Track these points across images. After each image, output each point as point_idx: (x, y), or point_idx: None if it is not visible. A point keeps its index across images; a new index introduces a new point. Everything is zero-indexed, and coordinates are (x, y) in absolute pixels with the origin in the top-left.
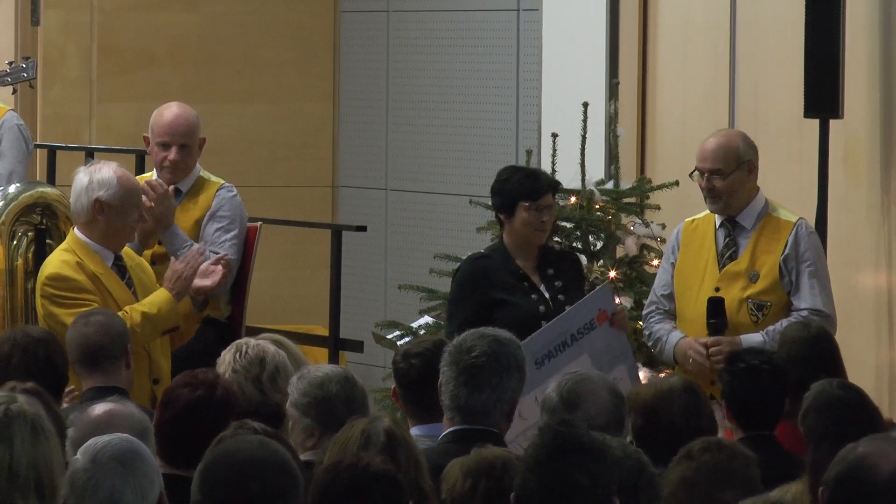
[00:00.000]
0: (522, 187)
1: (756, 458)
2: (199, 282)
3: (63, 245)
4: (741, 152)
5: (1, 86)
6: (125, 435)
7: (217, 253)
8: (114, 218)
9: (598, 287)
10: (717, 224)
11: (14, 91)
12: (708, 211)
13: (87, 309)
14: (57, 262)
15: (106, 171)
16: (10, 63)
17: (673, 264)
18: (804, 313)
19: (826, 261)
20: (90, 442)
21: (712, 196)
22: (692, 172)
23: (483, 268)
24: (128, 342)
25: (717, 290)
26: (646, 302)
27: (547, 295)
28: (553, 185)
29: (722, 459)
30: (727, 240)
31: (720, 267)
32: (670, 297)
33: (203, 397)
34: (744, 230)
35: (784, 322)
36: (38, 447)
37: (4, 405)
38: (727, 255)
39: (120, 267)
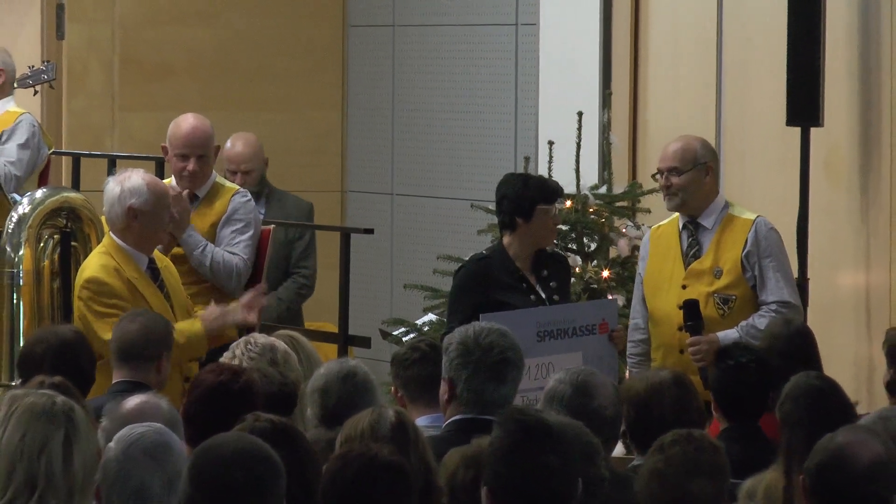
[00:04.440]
0: (541, 191)
1: (724, 448)
2: (243, 315)
3: (101, 248)
4: (699, 154)
5: (22, 87)
6: (158, 425)
7: (234, 253)
8: (147, 222)
9: (607, 299)
10: (681, 226)
11: (35, 92)
12: (671, 217)
13: (120, 314)
14: (96, 265)
15: (135, 178)
16: (31, 66)
17: (641, 273)
18: (773, 306)
19: (786, 254)
20: (124, 431)
21: (669, 193)
22: (654, 174)
23: (484, 268)
24: (165, 348)
25: (685, 287)
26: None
27: (543, 296)
28: (562, 190)
29: (689, 451)
30: (690, 240)
31: (685, 266)
32: (645, 304)
33: (226, 382)
34: (706, 230)
35: (755, 316)
36: (91, 436)
37: (51, 400)
38: (691, 253)
39: (153, 269)
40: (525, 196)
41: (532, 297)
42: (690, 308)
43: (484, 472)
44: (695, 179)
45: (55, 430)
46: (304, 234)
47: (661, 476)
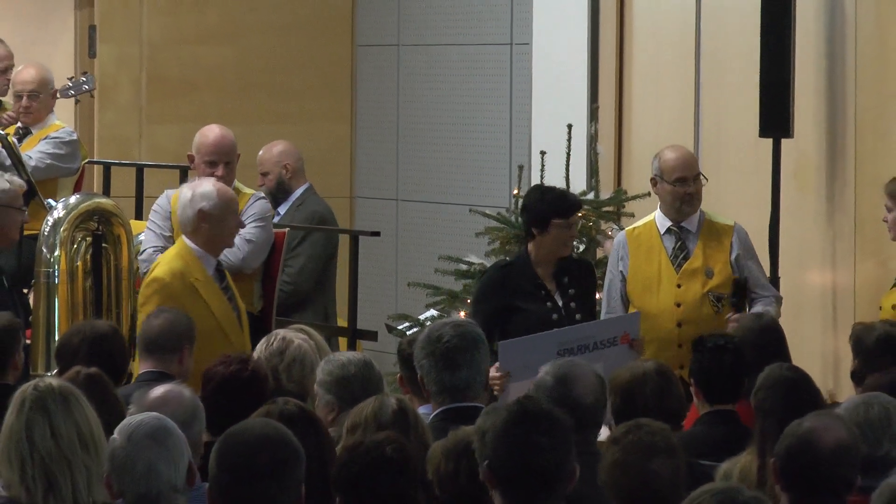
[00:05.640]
0: (556, 206)
1: (670, 429)
2: None
3: (174, 249)
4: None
5: (64, 98)
6: (155, 413)
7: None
8: (215, 225)
9: (630, 313)
10: (662, 230)
11: (77, 101)
12: (646, 219)
13: (152, 309)
14: (165, 267)
15: (206, 185)
16: (71, 78)
17: (622, 272)
18: (771, 299)
19: None
20: (125, 422)
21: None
22: (674, 182)
23: (504, 276)
24: (187, 341)
25: (679, 286)
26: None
27: (560, 303)
28: (580, 205)
29: (643, 436)
30: (678, 243)
31: (675, 266)
32: (625, 301)
33: (235, 372)
34: (689, 233)
35: (762, 304)
36: (71, 412)
37: (33, 385)
38: (681, 256)
39: (220, 271)
40: (541, 209)
41: (549, 303)
42: (739, 286)
43: (485, 449)
44: (701, 185)
45: (18, 415)
46: (298, 237)
47: (622, 465)
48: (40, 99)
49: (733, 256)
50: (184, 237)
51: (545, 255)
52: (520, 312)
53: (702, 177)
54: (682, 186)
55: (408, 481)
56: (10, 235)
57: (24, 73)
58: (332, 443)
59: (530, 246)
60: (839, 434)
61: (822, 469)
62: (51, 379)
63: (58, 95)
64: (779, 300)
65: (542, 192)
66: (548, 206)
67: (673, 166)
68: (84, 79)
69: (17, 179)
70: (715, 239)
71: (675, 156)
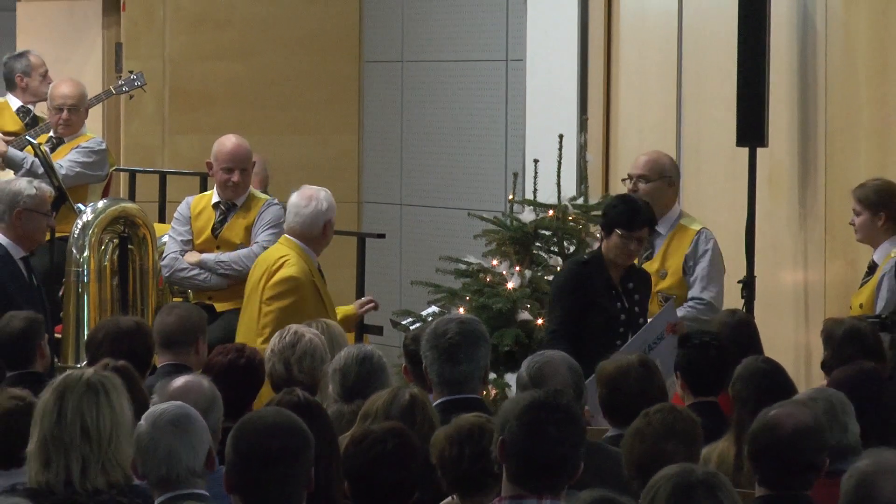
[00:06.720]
0: (620, 216)
1: (700, 421)
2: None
3: (294, 250)
4: (666, 168)
5: (118, 94)
6: (178, 402)
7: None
8: (330, 233)
9: (665, 305)
10: None
11: (131, 97)
12: None
13: (287, 304)
14: (297, 267)
15: (326, 195)
16: (119, 76)
17: None
18: (691, 303)
19: (720, 260)
20: (150, 410)
21: (635, 196)
22: (624, 178)
23: (581, 273)
24: (200, 333)
25: None
26: None
27: (627, 305)
28: (649, 222)
29: (668, 418)
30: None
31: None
32: None
33: (233, 360)
34: (659, 235)
35: (684, 308)
36: (80, 403)
37: (64, 376)
38: (644, 255)
39: (319, 269)
40: (609, 216)
41: (618, 304)
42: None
43: (506, 424)
44: (658, 189)
45: (49, 399)
46: None
47: (642, 436)
48: (79, 113)
49: (684, 257)
50: (292, 237)
51: (610, 260)
52: (595, 310)
53: (635, 179)
54: (628, 181)
55: (409, 473)
56: (36, 238)
57: (63, 88)
58: (332, 429)
59: (603, 247)
60: (800, 419)
61: (782, 451)
62: (83, 370)
63: (113, 92)
64: (708, 305)
65: (618, 200)
66: (615, 214)
67: (632, 163)
68: (134, 76)
69: (44, 186)
70: (678, 242)
71: (640, 155)
